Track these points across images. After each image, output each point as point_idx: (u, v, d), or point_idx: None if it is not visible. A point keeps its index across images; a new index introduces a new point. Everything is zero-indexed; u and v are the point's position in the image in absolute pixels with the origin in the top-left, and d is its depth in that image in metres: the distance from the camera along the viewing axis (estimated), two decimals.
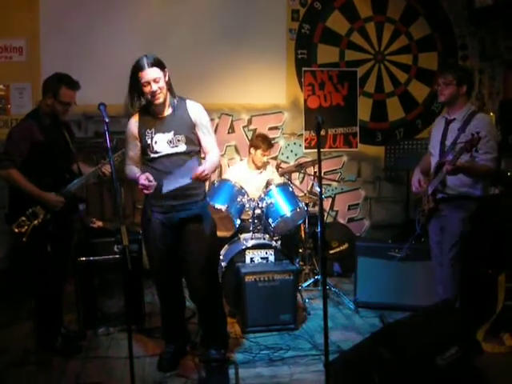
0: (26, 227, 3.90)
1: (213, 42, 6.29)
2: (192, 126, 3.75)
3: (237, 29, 6.51)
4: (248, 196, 5.05)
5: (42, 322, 4.17)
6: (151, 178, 3.52)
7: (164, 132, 3.64)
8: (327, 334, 3.02)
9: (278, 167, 6.34)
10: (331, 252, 6.33)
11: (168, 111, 3.72)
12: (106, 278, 4.57)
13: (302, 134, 6.84)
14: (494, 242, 4.87)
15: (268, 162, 5.90)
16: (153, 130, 3.65)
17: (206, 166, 3.60)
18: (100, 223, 4.99)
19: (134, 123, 3.73)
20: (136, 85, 3.61)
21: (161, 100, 3.61)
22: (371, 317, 4.89)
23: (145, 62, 3.53)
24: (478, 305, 4.50)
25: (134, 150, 3.76)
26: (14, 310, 5.00)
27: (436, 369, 3.24)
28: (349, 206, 7.10)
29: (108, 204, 6.10)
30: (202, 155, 3.90)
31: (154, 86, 3.54)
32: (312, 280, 5.66)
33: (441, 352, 3.31)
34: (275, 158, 6.72)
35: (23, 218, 3.90)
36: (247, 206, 5.06)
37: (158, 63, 3.58)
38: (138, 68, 3.54)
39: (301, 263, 5.90)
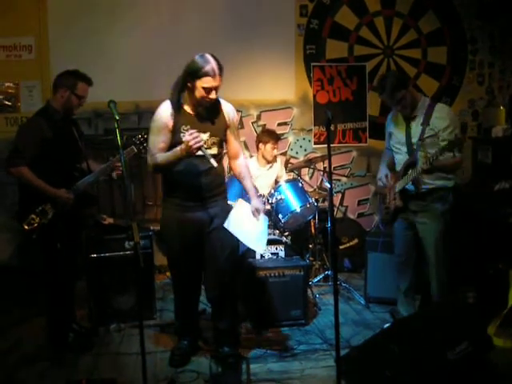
0: (36, 225, 3.93)
1: (221, 39, 6.28)
2: (226, 128, 3.75)
3: (245, 25, 6.50)
4: (258, 192, 5.06)
5: (53, 319, 4.20)
6: (192, 131, 3.40)
7: (199, 132, 3.52)
8: (338, 329, 3.02)
9: (287, 163, 6.33)
10: (341, 247, 6.33)
11: (201, 110, 3.65)
12: (118, 275, 4.59)
13: (311, 130, 6.82)
14: (503, 236, 4.86)
15: (277, 156, 5.90)
16: (188, 127, 3.54)
17: (257, 203, 3.80)
18: (111, 220, 5.01)
19: (168, 114, 3.60)
20: (186, 84, 3.53)
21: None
22: (382, 312, 4.89)
23: (216, 68, 3.45)
24: (489, 300, 4.50)
25: (166, 142, 3.60)
26: (25, 306, 5.02)
27: (447, 363, 3.24)
28: (358, 201, 7.08)
29: (118, 201, 6.12)
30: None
31: (214, 94, 3.51)
32: (322, 275, 5.66)
33: (452, 347, 3.32)
34: (284, 154, 6.72)
35: (33, 216, 3.93)
36: None
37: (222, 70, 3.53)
38: (203, 73, 3.43)
39: (311, 259, 5.90)
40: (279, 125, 6.71)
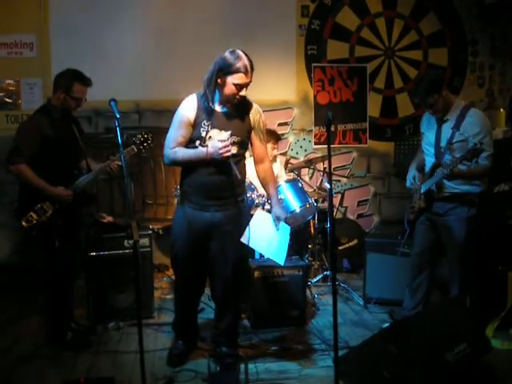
0: (35, 222, 3.93)
1: (222, 39, 6.27)
2: (249, 130, 3.70)
3: (246, 25, 6.50)
4: (257, 192, 5.06)
5: (52, 317, 4.20)
6: (224, 138, 3.42)
7: (221, 129, 3.53)
8: (336, 329, 3.02)
9: (287, 163, 6.34)
10: (340, 248, 6.33)
11: (229, 107, 3.61)
12: (116, 273, 4.58)
13: (311, 130, 6.83)
14: (503, 238, 4.87)
15: (276, 156, 5.90)
16: (209, 123, 3.53)
17: (278, 211, 3.79)
18: (110, 218, 5.01)
19: (192, 108, 3.55)
20: (216, 80, 3.48)
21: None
22: (380, 313, 4.89)
23: (248, 64, 3.44)
24: (487, 301, 4.50)
25: (185, 136, 3.56)
26: (24, 304, 5.03)
27: (445, 364, 3.25)
28: (358, 201, 7.08)
29: (118, 199, 6.13)
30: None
31: (244, 91, 3.50)
32: (321, 276, 5.66)
33: (450, 348, 3.32)
34: (284, 154, 6.73)
35: (32, 214, 3.93)
36: (256, 201, 5.06)
37: (253, 67, 3.51)
38: (235, 69, 3.41)
39: (310, 259, 5.91)
40: (280, 125, 6.71)
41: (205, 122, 3.53)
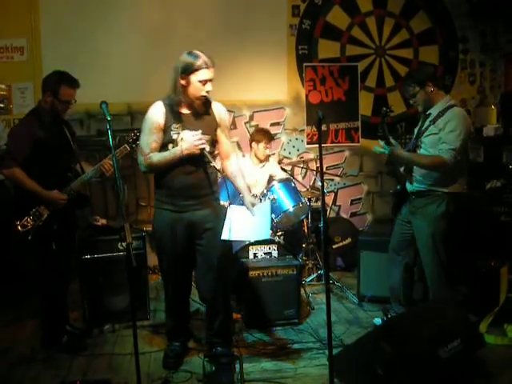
0: (30, 227, 3.93)
1: (213, 39, 6.28)
2: (216, 127, 3.77)
3: (237, 25, 6.51)
4: (251, 192, 5.06)
5: (47, 320, 4.20)
6: (195, 132, 3.49)
7: (191, 130, 3.58)
8: (331, 328, 3.04)
9: (279, 163, 6.35)
10: (334, 247, 6.35)
11: (195, 108, 3.68)
12: (111, 276, 4.59)
13: (303, 130, 6.85)
14: (495, 234, 4.90)
15: (270, 155, 5.92)
16: (179, 125, 3.59)
17: (251, 199, 3.88)
18: (104, 221, 5.01)
19: (160, 113, 3.61)
20: (180, 82, 3.55)
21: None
22: (374, 311, 4.90)
23: (207, 60, 3.52)
24: (480, 297, 4.52)
25: (158, 141, 3.61)
26: (19, 307, 5.02)
27: (439, 361, 3.26)
28: (351, 200, 7.10)
29: (111, 202, 6.12)
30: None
31: (210, 86, 3.56)
32: (315, 275, 5.68)
33: (444, 344, 3.34)
34: (277, 154, 6.74)
35: (27, 219, 3.93)
36: None
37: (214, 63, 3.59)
38: (197, 66, 3.49)
39: (304, 258, 5.92)
40: (272, 125, 6.72)
41: (174, 125, 3.60)
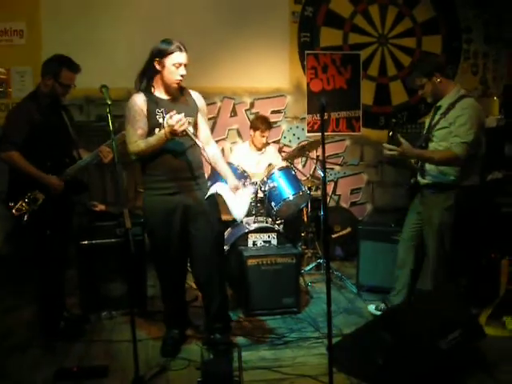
0: (25, 211, 3.89)
1: (215, 26, 6.24)
2: (197, 112, 3.82)
3: (239, 12, 6.46)
4: (250, 179, 5.04)
5: (44, 306, 4.17)
6: (173, 113, 3.50)
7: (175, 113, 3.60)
8: (330, 317, 3.02)
9: (280, 151, 6.32)
10: (334, 236, 6.33)
11: (177, 94, 3.75)
12: (109, 262, 4.56)
13: (304, 118, 6.81)
14: (496, 226, 4.87)
15: (268, 143, 5.89)
16: (163, 109, 3.63)
17: (234, 181, 3.86)
18: (102, 207, 4.98)
19: (142, 101, 3.64)
20: (154, 67, 3.62)
21: (181, 84, 3.70)
22: (374, 300, 4.88)
23: (180, 45, 3.61)
24: (481, 289, 4.51)
25: (143, 128, 3.64)
26: (16, 294, 5.02)
27: (439, 351, 3.25)
28: (351, 190, 7.09)
29: (110, 187, 6.10)
30: None
31: (184, 70, 3.62)
32: (314, 264, 5.66)
33: (444, 335, 3.32)
34: (277, 142, 6.71)
35: (22, 203, 3.89)
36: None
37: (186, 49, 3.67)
38: (171, 50, 3.58)
39: (303, 247, 5.90)
40: (273, 113, 6.70)
41: (157, 109, 3.64)
